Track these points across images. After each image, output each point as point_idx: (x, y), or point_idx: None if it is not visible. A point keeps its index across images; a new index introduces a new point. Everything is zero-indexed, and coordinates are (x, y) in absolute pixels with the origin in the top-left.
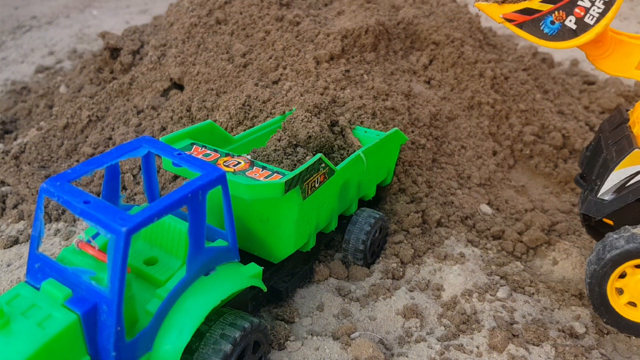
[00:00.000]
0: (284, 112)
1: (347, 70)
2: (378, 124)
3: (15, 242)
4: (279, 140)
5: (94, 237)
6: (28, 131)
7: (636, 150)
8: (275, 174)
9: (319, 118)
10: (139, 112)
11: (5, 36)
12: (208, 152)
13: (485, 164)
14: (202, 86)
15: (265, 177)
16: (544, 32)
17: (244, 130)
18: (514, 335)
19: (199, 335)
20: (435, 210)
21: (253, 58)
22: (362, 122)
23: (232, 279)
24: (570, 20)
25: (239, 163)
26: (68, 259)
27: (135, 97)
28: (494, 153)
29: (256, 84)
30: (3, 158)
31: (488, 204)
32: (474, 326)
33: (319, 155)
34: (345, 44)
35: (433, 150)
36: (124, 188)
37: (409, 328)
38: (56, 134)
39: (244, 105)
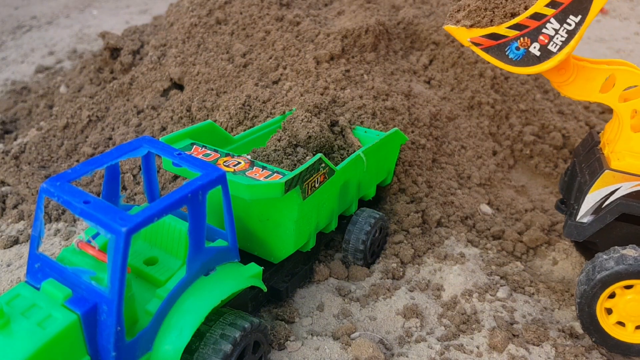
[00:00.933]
0: (284, 112)
1: (347, 70)
2: (378, 124)
3: (15, 242)
4: (279, 140)
5: (94, 237)
6: (28, 131)
7: (607, 171)
8: (275, 174)
9: (319, 118)
10: (139, 112)
11: (5, 36)
12: (208, 152)
13: (485, 164)
14: (202, 86)
15: (265, 177)
16: (509, 57)
17: (244, 130)
18: (514, 335)
19: (199, 335)
20: (435, 210)
21: (253, 58)
22: (362, 122)
23: (232, 279)
24: (535, 47)
25: (239, 163)
26: (68, 259)
27: (135, 97)
28: (494, 153)
29: (256, 84)
30: (3, 158)
31: (488, 204)
32: (474, 326)
33: (319, 155)
34: (345, 44)
35: (433, 150)
36: (124, 188)
37: (409, 328)
38: (56, 134)
39: (244, 105)
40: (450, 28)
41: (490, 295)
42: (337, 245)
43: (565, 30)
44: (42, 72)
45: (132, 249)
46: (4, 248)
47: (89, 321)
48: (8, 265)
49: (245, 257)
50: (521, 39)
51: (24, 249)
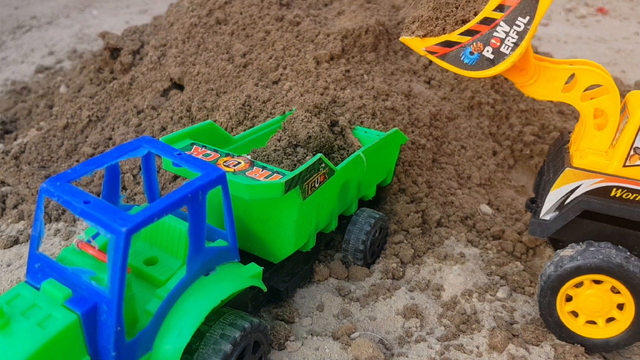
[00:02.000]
0: (284, 112)
1: (347, 70)
2: (378, 124)
3: (15, 242)
4: (279, 140)
5: (94, 237)
6: (28, 131)
7: (567, 169)
8: (275, 174)
9: (319, 118)
10: (139, 112)
11: (5, 36)
12: (208, 152)
13: (485, 164)
14: (202, 86)
15: (265, 177)
16: (464, 62)
17: (244, 130)
18: (513, 335)
19: (199, 335)
20: (435, 210)
21: (253, 58)
22: (362, 122)
23: (232, 279)
24: (488, 51)
25: (239, 163)
26: (68, 259)
27: (135, 97)
28: (494, 153)
29: (256, 84)
30: (3, 158)
31: (488, 204)
32: (474, 326)
33: (319, 155)
34: (345, 44)
35: (433, 150)
36: (124, 188)
37: (409, 328)
38: (56, 134)
39: (244, 105)
40: (405, 39)
41: (490, 295)
42: (337, 245)
43: (515, 32)
44: (42, 72)
45: (132, 249)
46: (4, 248)
47: (89, 321)
48: (8, 265)
49: (245, 257)
50: (474, 44)
51: (24, 249)
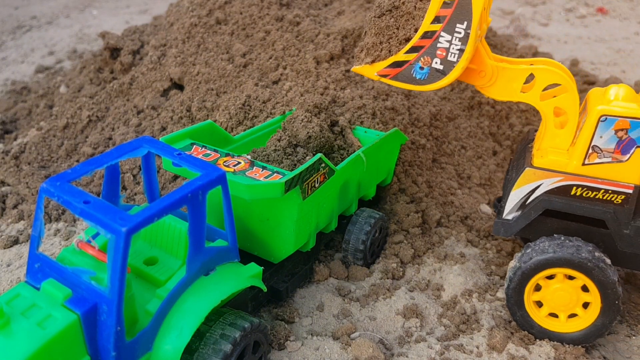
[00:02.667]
0: (284, 112)
1: (347, 70)
2: (378, 124)
3: (15, 242)
4: (279, 140)
5: (94, 237)
6: (28, 131)
7: (527, 168)
8: (275, 174)
9: (319, 118)
10: (139, 112)
11: (5, 36)
12: (208, 152)
13: (485, 164)
14: (202, 86)
15: (265, 177)
16: (417, 78)
17: (244, 130)
18: (512, 334)
19: (199, 335)
20: (435, 210)
21: (253, 58)
22: (362, 122)
23: (232, 279)
24: (436, 62)
25: (239, 163)
26: (68, 259)
27: (135, 97)
28: (494, 153)
29: (256, 84)
30: (3, 158)
31: (488, 204)
32: (473, 326)
33: (319, 155)
34: (345, 44)
35: (433, 150)
36: (124, 188)
37: (409, 328)
38: (56, 134)
39: (244, 105)
40: (356, 69)
41: (490, 295)
42: (337, 245)
43: (457, 39)
44: (42, 72)
45: (132, 249)
46: (4, 248)
47: (89, 321)
48: (8, 265)
49: (245, 257)
50: (421, 58)
51: (24, 249)
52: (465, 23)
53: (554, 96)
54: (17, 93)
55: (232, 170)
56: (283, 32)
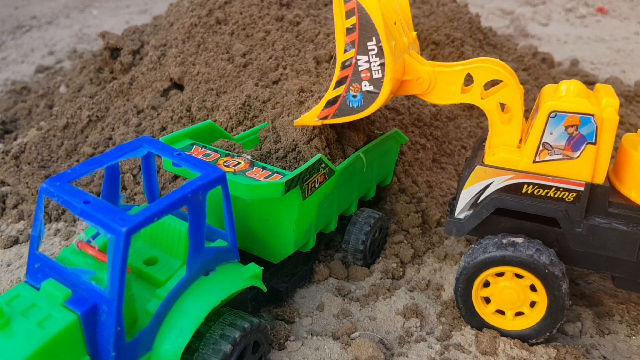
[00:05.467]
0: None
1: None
2: (378, 124)
3: (15, 242)
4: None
5: (94, 237)
6: (28, 131)
7: (478, 166)
8: (275, 174)
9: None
10: (139, 112)
11: (5, 36)
12: (208, 152)
13: None
14: (202, 86)
15: (265, 177)
16: (355, 107)
17: (244, 130)
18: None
19: (199, 336)
20: (435, 210)
21: (253, 58)
22: None
23: (232, 279)
24: (365, 85)
25: (239, 163)
26: (68, 259)
27: (135, 97)
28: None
29: (256, 84)
30: (3, 158)
31: None
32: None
33: (319, 155)
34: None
35: (433, 150)
36: (124, 188)
37: (409, 328)
38: (56, 134)
39: (244, 105)
40: (297, 122)
41: None
42: (337, 245)
43: (374, 55)
44: (42, 72)
45: (132, 249)
46: (4, 248)
47: (89, 321)
48: (8, 265)
49: (245, 257)
50: (351, 87)
51: (24, 249)
52: (374, 38)
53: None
54: (17, 93)
55: (232, 170)
56: (283, 32)
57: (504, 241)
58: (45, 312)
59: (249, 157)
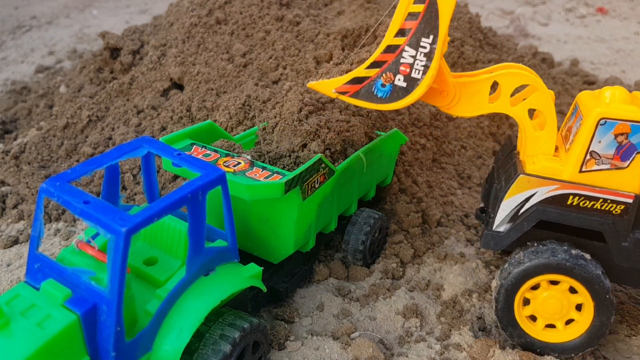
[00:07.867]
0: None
1: (348, 71)
2: (378, 124)
3: (15, 242)
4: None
5: (94, 237)
6: (28, 131)
7: (521, 176)
8: (275, 175)
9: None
10: (139, 112)
11: (5, 36)
12: (208, 152)
13: (486, 164)
14: (202, 86)
15: (265, 178)
16: (378, 96)
17: (244, 130)
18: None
19: (199, 336)
20: (435, 210)
21: (253, 58)
22: None
23: (231, 279)
24: (399, 79)
25: (239, 163)
26: (68, 259)
27: (135, 97)
28: (494, 153)
29: (256, 84)
30: (3, 158)
31: None
32: (474, 326)
33: (319, 155)
34: (345, 44)
35: (433, 150)
36: (124, 188)
37: (409, 328)
38: (56, 134)
39: (244, 105)
40: (312, 84)
41: (490, 295)
42: (337, 245)
43: (422, 54)
44: (42, 72)
45: (132, 249)
46: (4, 248)
47: (89, 321)
48: (8, 265)
49: (245, 258)
50: (383, 75)
51: (24, 249)
52: (432, 37)
53: (524, 99)
54: (17, 93)
55: (232, 170)
56: (283, 32)
57: (535, 249)
58: (45, 312)
59: (249, 157)
